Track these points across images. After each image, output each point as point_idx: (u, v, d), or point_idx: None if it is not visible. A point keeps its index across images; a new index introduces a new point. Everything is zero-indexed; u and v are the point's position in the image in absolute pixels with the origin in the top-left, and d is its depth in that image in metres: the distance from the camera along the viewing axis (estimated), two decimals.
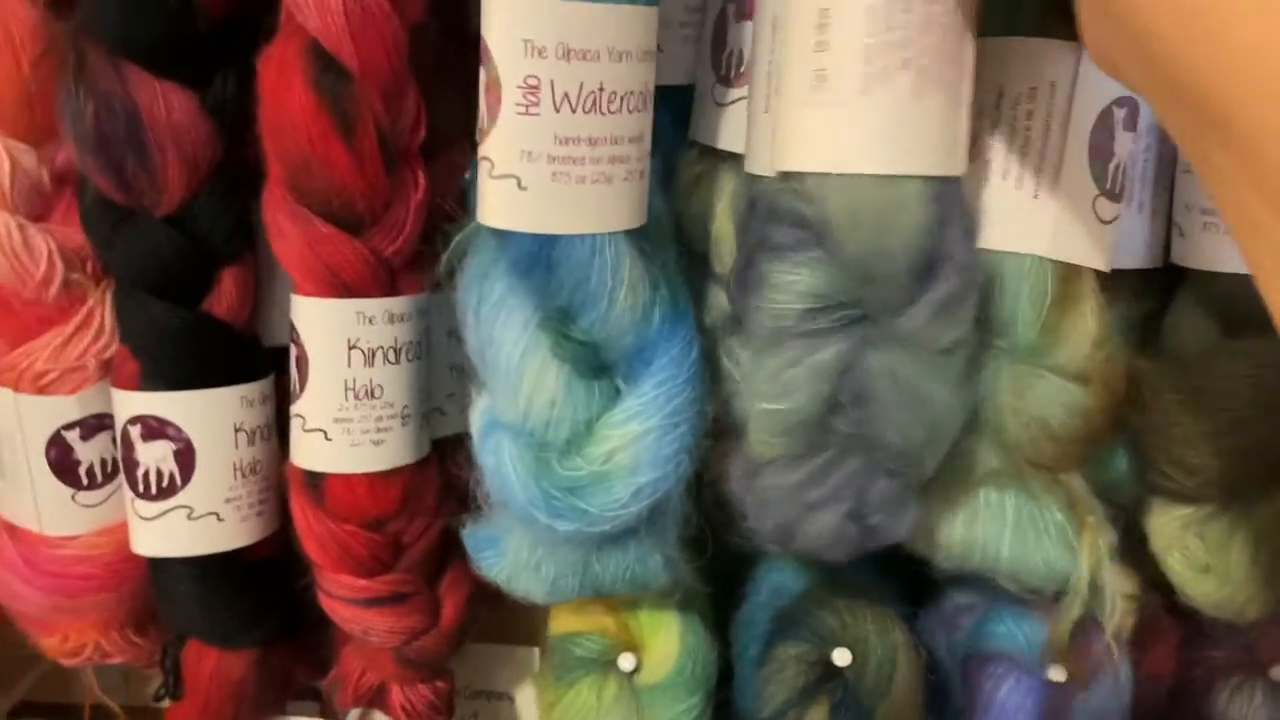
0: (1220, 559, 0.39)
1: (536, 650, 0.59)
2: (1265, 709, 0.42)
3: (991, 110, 0.38)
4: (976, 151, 0.37)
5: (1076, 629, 0.42)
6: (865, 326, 0.35)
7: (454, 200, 0.46)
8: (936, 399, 0.35)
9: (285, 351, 0.48)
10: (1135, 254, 0.43)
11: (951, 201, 0.35)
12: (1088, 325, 0.39)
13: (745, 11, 0.39)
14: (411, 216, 0.44)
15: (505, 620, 0.60)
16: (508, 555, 0.39)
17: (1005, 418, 0.39)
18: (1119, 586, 0.41)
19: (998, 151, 0.38)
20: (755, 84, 0.38)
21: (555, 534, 0.37)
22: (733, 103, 0.40)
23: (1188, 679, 0.44)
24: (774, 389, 0.35)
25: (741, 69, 0.39)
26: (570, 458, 0.36)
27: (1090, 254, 0.38)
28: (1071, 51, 0.37)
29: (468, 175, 0.46)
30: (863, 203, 0.33)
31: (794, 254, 0.35)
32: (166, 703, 0.52)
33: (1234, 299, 0.39)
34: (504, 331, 0.36)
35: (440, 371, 0.49)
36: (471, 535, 0.41)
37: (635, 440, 0.36)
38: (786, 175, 0.35)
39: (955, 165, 0.35)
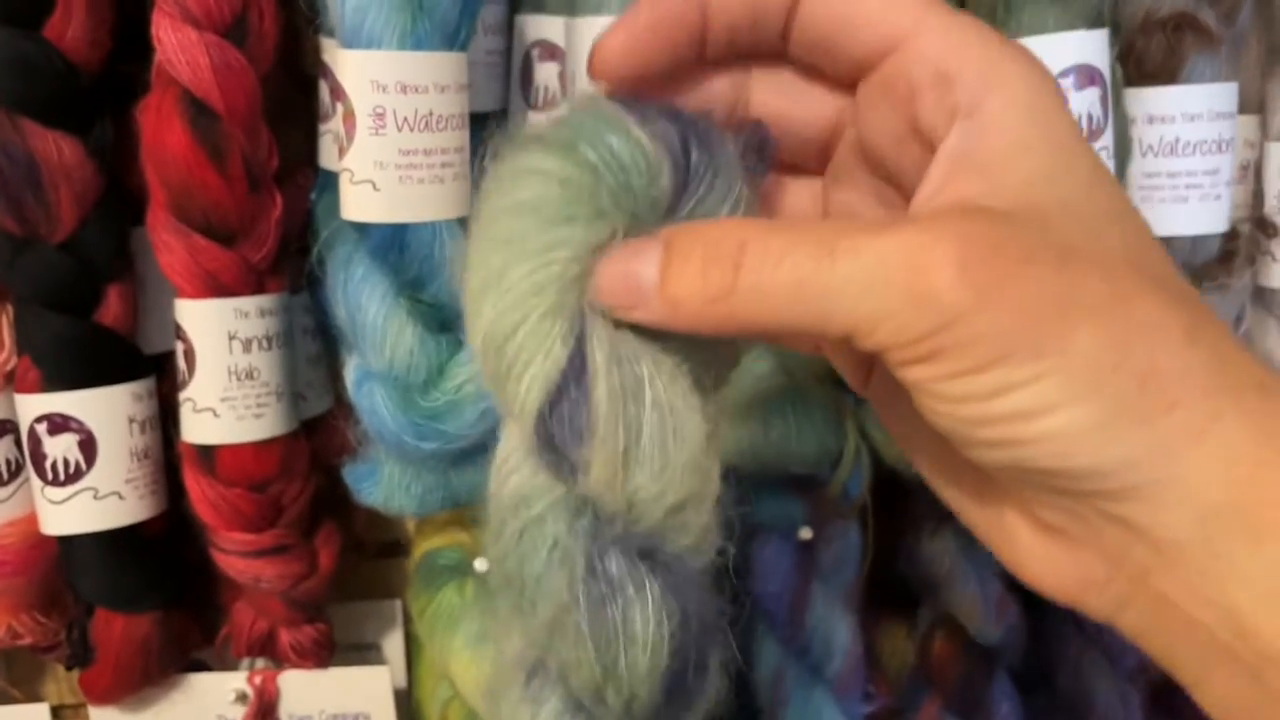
0: None
1: (398, 602, 0.69)
2: (954, 543, 0.58)
3: None
4: None
5: (822, 500, 0.57)
6: None
7: (303, 214, 0.57)
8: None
9: (159, 358, 0.58)
10: None
11: None
12: None
13: (546, 55, 0.52)
14: (273, 229, 0.54)
15: (366, 579, 0.69)
16: (382, 482, 0.50)
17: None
18: (867, 463, 0.56)
19: None
20: None
21: (421, 456, 0.48)
22: None
23: (901, 529, 0.60)
24: None
25: (549, 99, 0.52)
26: (428, 393, 0.47)
27: None
28: None
29: (313, 195, 0.57)
30: None
31: None
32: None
33: None
34: (369, 302, 0.47)
35: (299, 362, 0.59)
36: (351, 471, 0.51)
37: (477, 375, 0.47)
38: None
39: None
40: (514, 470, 0.27)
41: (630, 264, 0.25)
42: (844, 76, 0.29)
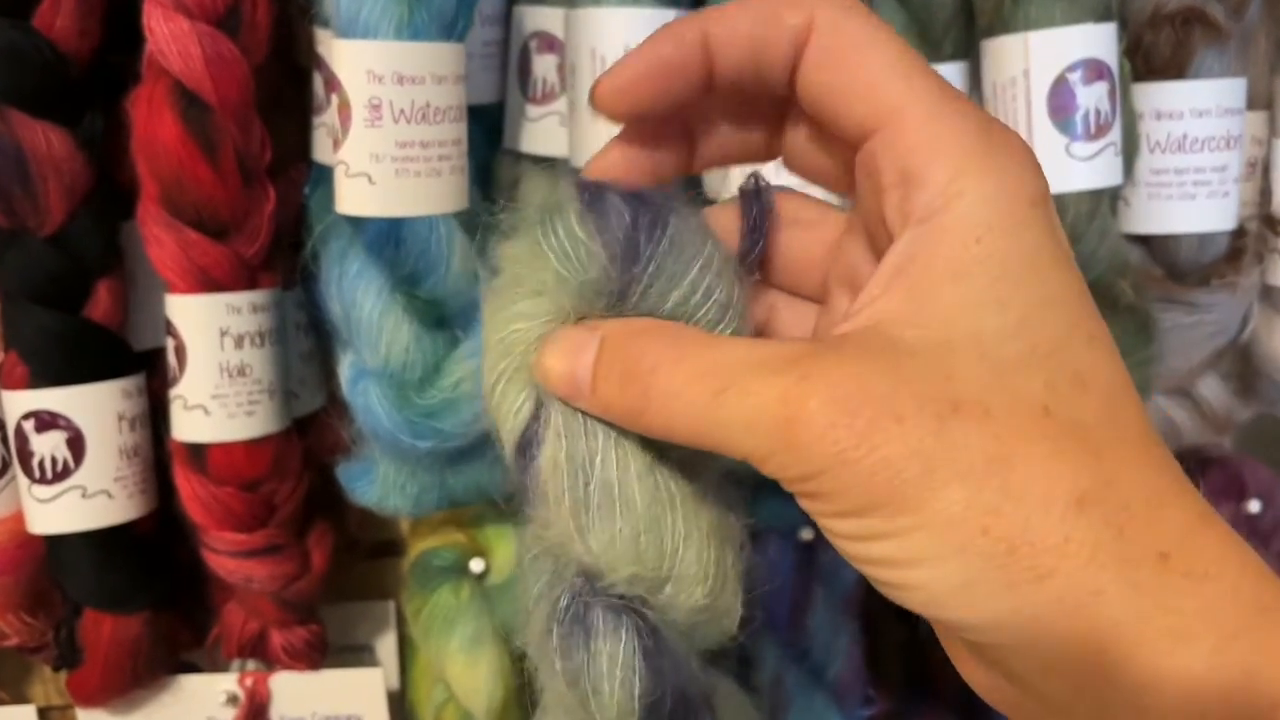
0: None
1: (391, 603, 0.68)
2: None
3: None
4: None
5: None
6: None
7: (296, 208, 0.56)
8: None
9: (149, 354, 0.57)
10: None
11: None
12: None
13: (545, 46, 0.52)
14: (265, 223, 0.53)
15: (359, 579, 0.68)
16: (377, 481, 0.49)
17: None
18: None
19: None
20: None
21: (417, 455, 0.47)
22: (541, 118, 0.52)
23: None
24: None
25: (547, 91, 0.52)
26: (425, 391, 0.46)
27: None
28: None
29: (307, 189, 0.56)
30: None
31: None
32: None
33: None
34: (364, 298, 0.46)
35: (292, 359, 0.58)
36: (345, 470, 0.50)
37: (475, 372, 0.46)
38: None
39: None
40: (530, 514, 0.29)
41: (570, 360, 0.27)
42: (847, 140, 0.28)
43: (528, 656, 0.29)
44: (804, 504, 0.25)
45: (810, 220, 0.31)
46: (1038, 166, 0.26)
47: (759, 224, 0.30)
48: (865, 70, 0.26)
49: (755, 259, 0.30)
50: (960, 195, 0.24)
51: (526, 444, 0.27)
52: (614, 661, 0.27)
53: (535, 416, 0.27)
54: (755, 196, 0.30)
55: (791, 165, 0.31)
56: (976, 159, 0.25)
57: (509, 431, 0.28)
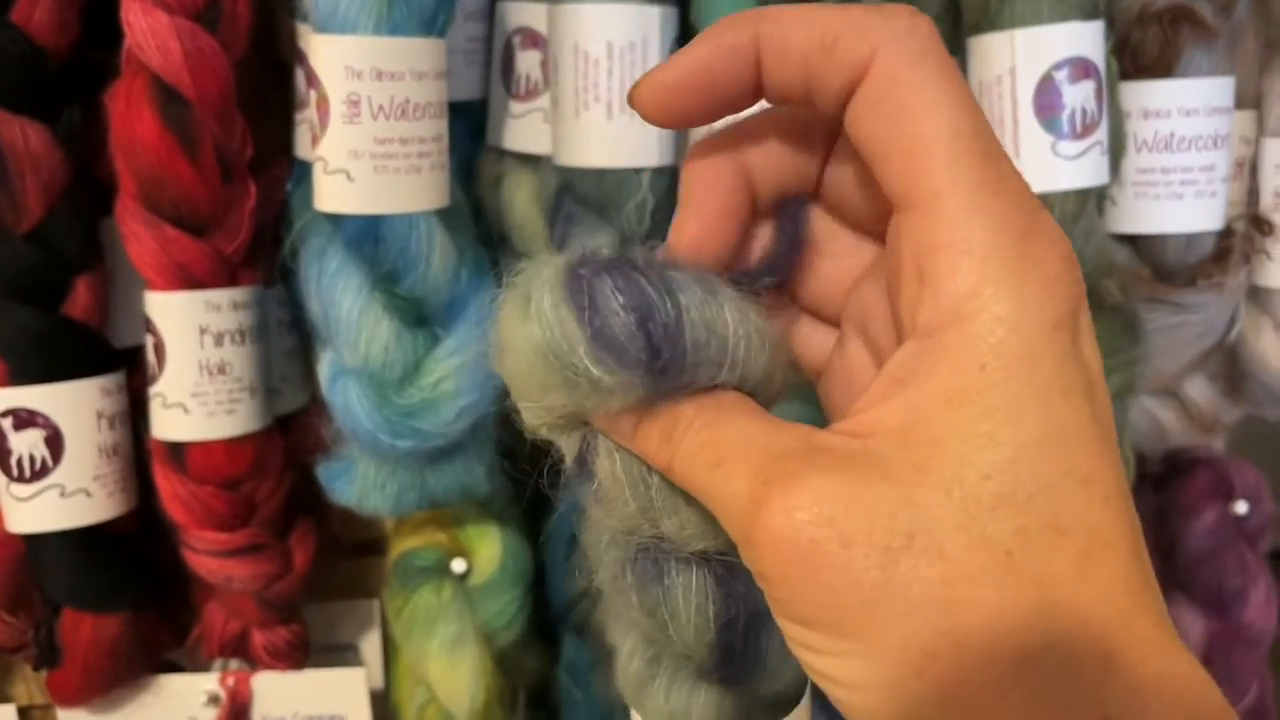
0: None
1: (376, 602, 0.68)
2: None
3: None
4: None
5: None
6: None
7: (278, 205, 0.55)
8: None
9: (129, 352, 0.56)
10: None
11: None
12: None
13: (528, 43, 0.51)
14: (246, 220, 0.53)
15: (343, 578, 0.68)
16: (357, 480, 0.49)
17: None
18: None
19: None
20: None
21: (396, 455, 0.47)
22: (524, 115, 0.51)
23: None
24: None
25: (530, 88, 0.51)
26: (404, 390, 0.46)
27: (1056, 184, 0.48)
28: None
29: (289, 185, 0.55)
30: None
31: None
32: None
33: None
34: (343, 296, 0.46)
35: (274, 357, 0.57)
36: (325, 469, 0.50)
37: (455, 371, 0.46)
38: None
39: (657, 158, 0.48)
40: None
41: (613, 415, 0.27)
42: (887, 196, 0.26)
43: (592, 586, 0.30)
44: (766, 597, 0.25)
45: (841, 250, 0.30)
46: (1073, 276, 0.24)
47: (793, 248, 0.29)
48: (910, 138, 0.24)
49: (782, 279, 0.30)
50: (973, 316, 0.23)
51: (582, 460, 0.28)
52: (688, 591, 0.28)
53: (584, 440, 0.28)
54: (793, 219, 0.29)
55: (827, 202, 0.30)
56: (1002, 271, 0.23)
57: (563, 450, 0.28)
